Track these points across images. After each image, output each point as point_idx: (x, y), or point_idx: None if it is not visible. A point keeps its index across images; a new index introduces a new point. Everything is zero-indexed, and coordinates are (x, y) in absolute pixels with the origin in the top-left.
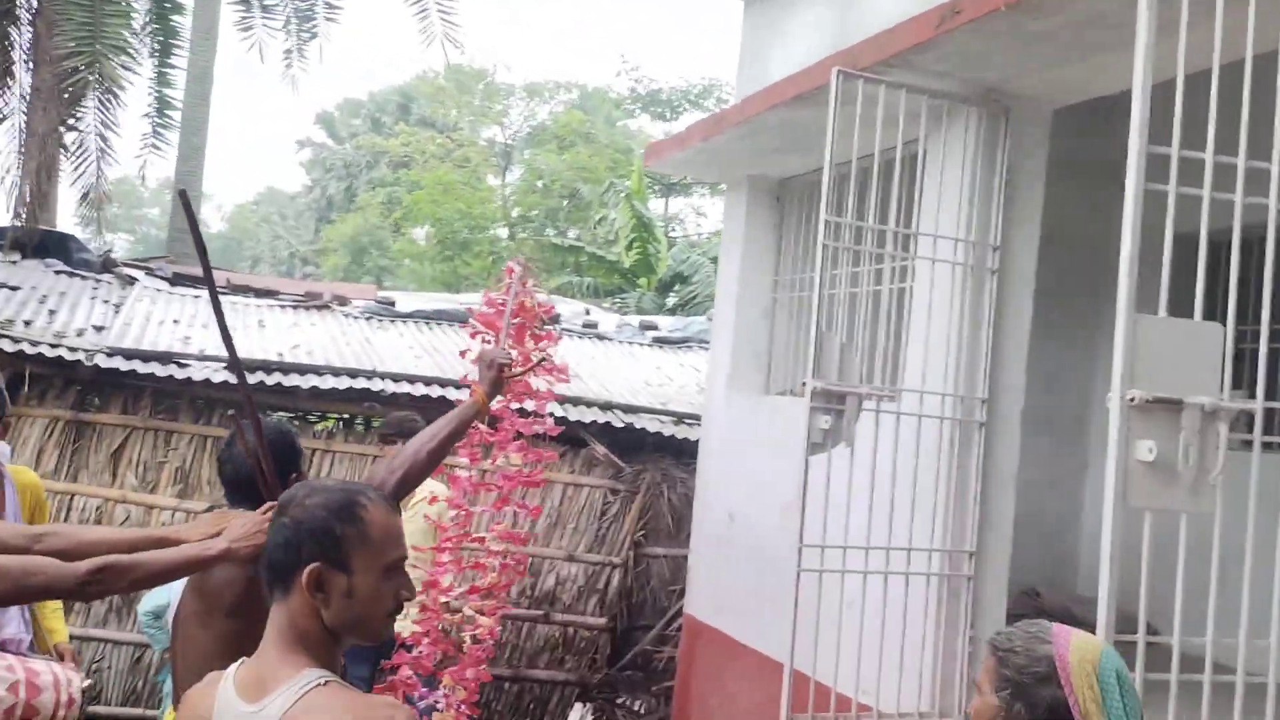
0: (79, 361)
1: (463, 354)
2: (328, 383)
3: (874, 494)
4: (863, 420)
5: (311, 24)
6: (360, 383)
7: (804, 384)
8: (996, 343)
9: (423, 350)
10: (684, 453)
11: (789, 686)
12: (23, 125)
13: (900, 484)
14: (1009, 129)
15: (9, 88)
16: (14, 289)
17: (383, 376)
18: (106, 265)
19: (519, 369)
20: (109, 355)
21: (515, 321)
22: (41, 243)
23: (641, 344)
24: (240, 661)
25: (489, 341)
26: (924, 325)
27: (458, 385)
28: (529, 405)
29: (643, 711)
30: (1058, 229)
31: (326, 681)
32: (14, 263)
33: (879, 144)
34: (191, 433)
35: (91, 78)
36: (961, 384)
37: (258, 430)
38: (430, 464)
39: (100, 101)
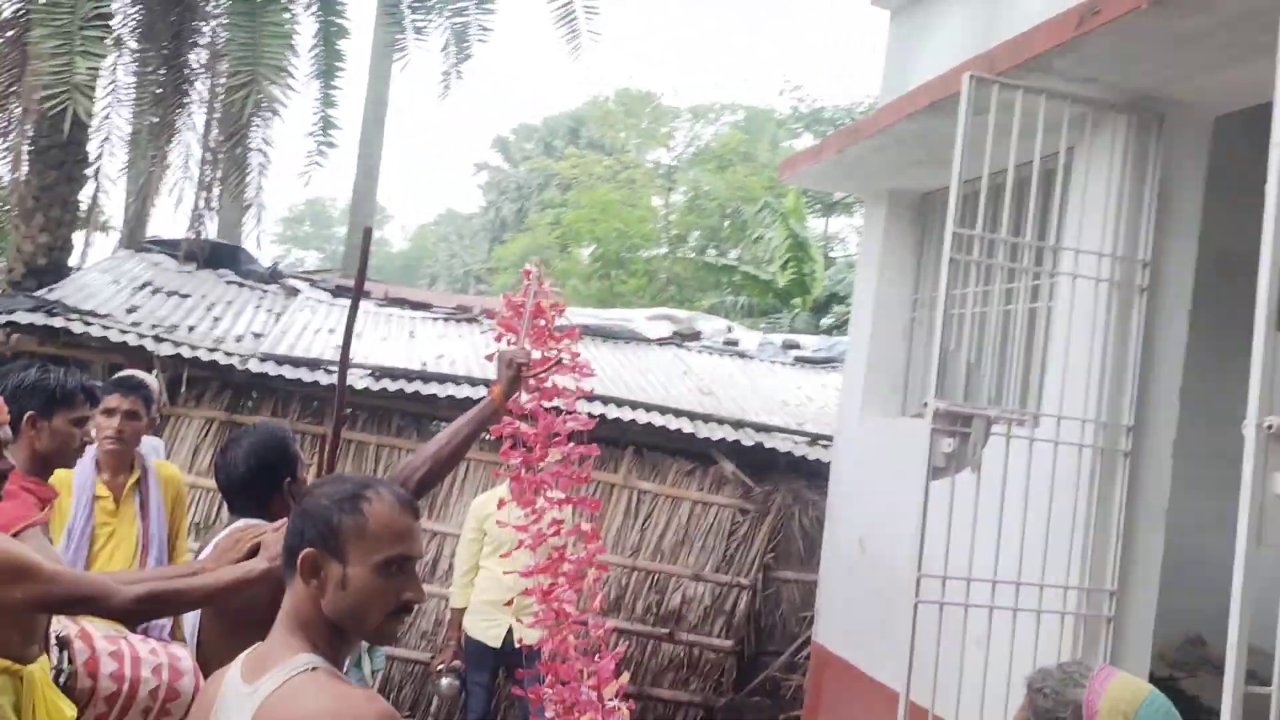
0: (233, 366)
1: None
2: (464, 391)
3: (1003, 524)
4: (992, 445)
5: (466, 45)
6: None
7: (925, 404)
8: (1146, 366)
9: None
10: (818, 475)
11: None
12: (197, 142)
13: (1033, 515)
14: (1162, 137)
15: (184, 106)
16: (184, 297)
17: None
18: (273, 276)
19: (537, 369)
20: (261, 360)
21: (536, 322)
22: (215, 254)
23: (783, 363)
24: (254, 646)
25: (512, 343)
26: (1063, 345)
27: (589, 397)
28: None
29: None
30: (1230, 245)
31: (315, 668)
32: (189, 273)
33: (1015, 154)
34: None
35: (252, 97)
36: (1105, 409)
37: (336, 433)
38: (450, 463)
39: (262, 120)
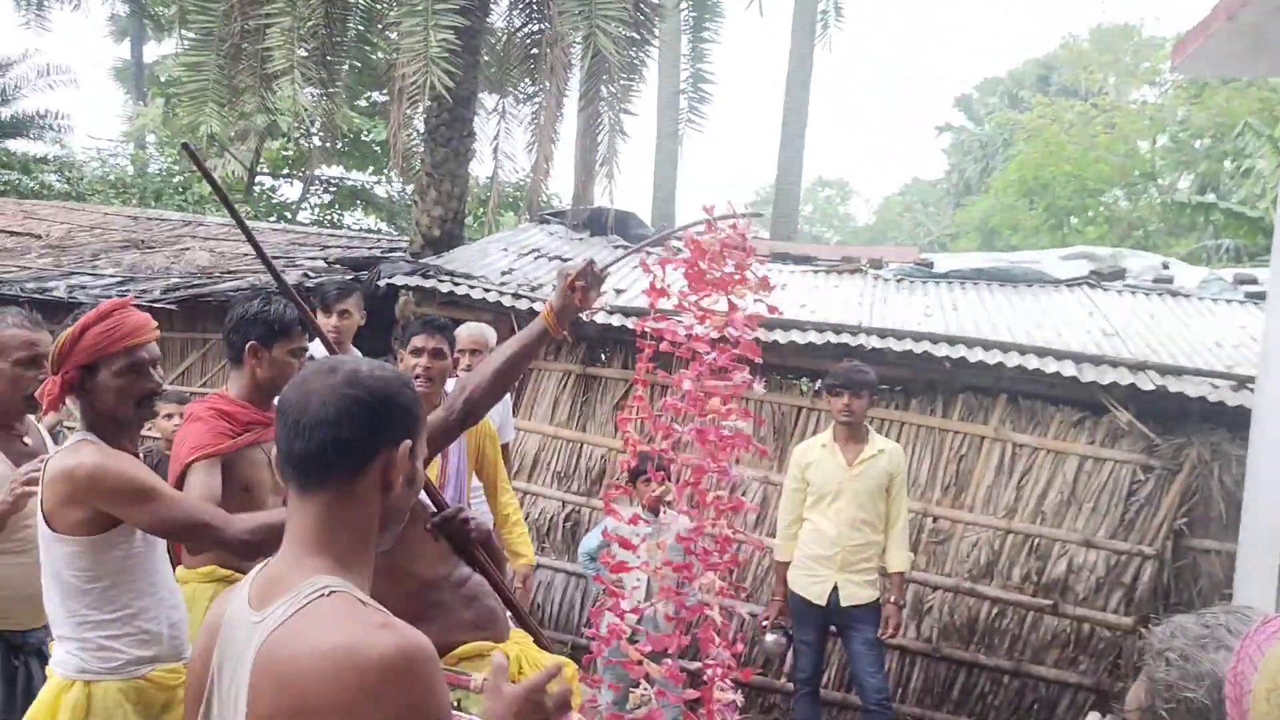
0: (581, 319)
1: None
2: (808, 337)
3: None
4: None
5: None
6: (844, 338)
7: None
8: None
9: (936, 309)
10: (1246, 425)
11: None
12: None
13: None
14: None
15: (556, 74)
16: (565, 260)
17: (868, 332)
18: (663, 240)
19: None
20: (610, 313)
21: (721, 266)
22: (605, 221)
23: (1230, 300)
24: (263, 565)
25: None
26: None
27: (950, 341)
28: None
29: None
30: None
31: (333, 591)
32: (580, 240)
33: None
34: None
35: (589, 50)
36: None
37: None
38: (496, 385)
39: (608, 75)
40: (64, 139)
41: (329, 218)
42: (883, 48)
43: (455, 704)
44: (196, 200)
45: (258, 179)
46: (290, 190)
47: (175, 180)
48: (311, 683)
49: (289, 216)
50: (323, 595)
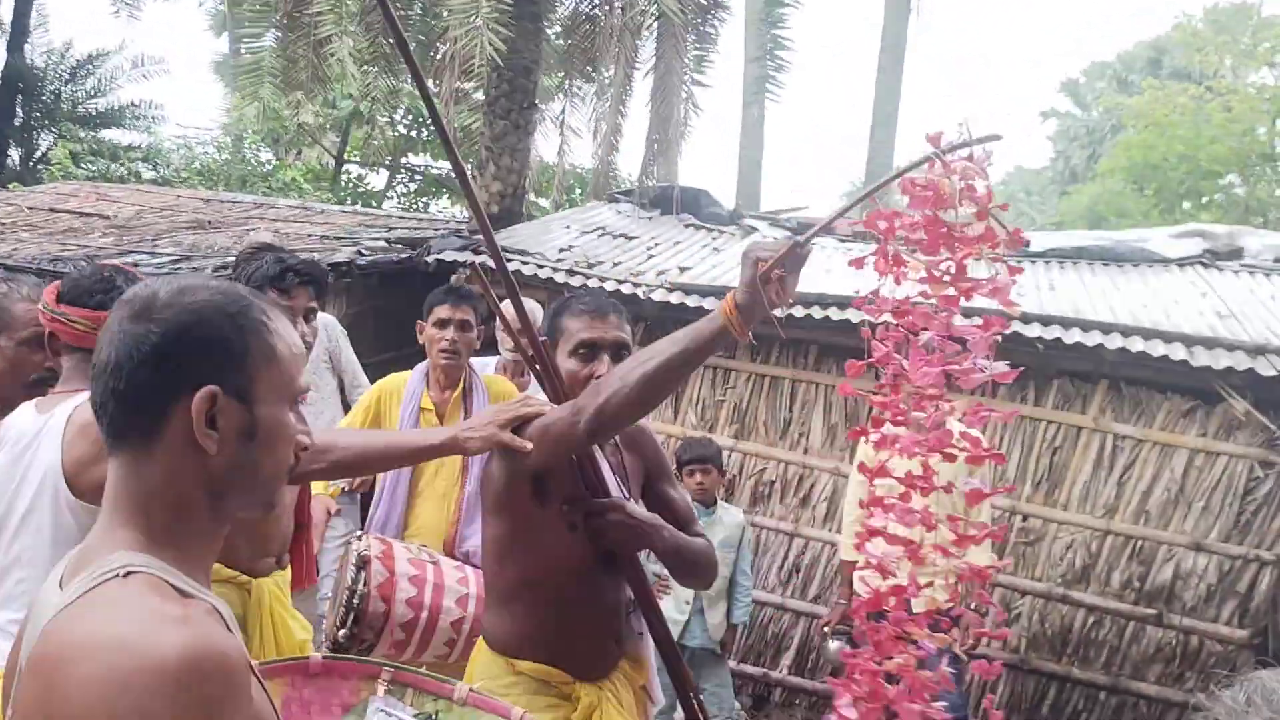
0: (637, 296)
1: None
2: (885, 317)
3: None
4: None
5: None
6: None
7: None
8: None
9: (1031, 288)
10: None
11: None
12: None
13: None
14: None
15: (616, 39)
16: (630, 239)
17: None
18: (733, 218)
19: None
20: (669, 290)
21: (943, 213)
22: (674, 198)
23: None
24: (86, 540)
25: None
26: None
27: (1044, 321)
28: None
29: None
30: None
31: (130, 573)
32: (649, 218)
33: None
34: (749, 371)
35: (649, 16)
36: None
37: (522, 316)
38: (643, 397)
39: (679, 42)
40: (155, 128)
41: (414, 205)
42: (935, 23)
43: (433, 715)
44: (280, 187)
45: (345, 167)
46: (376, 179)
47: (263, 170)
48: (73, 682)
49: (376, 204)
50: (117, 576)
